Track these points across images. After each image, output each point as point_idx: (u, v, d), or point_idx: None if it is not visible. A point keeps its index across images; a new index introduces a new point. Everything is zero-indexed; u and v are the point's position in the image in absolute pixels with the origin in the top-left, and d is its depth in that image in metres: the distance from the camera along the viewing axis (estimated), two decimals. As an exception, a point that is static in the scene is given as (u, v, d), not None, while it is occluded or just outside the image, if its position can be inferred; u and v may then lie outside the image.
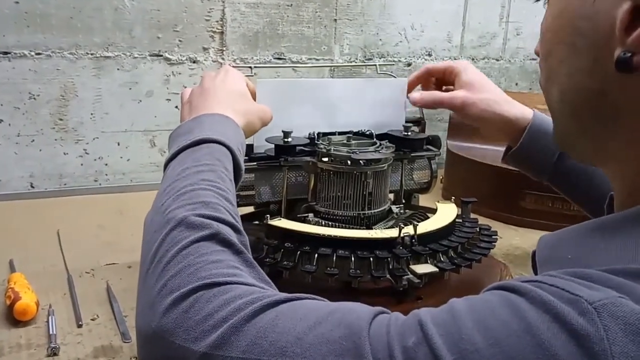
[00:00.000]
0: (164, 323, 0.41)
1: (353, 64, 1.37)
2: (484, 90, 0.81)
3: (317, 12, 1.31)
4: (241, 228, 0.51)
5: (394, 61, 1.41)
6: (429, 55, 1.46)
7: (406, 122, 0.91)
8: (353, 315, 0.37)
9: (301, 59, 1.31)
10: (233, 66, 1.26)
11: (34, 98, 1.12)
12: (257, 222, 0.90)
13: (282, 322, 0.38)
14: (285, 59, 1.30)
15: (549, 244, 0.44)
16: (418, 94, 0.84)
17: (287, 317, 0.39)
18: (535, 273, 0.44)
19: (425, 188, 0.94)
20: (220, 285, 0.42)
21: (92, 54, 1.14)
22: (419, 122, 0.94)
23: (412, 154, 0.89)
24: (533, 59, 1.60)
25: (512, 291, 0.34)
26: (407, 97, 0.87)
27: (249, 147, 0.85)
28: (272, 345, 0.37)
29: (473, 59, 1.52)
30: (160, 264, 0.45)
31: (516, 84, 1.59)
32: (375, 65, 0.95)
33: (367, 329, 0.36)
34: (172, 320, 0.40)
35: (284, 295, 0.41)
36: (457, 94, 0.81)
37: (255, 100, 0.76)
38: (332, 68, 1.36)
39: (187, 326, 0.40)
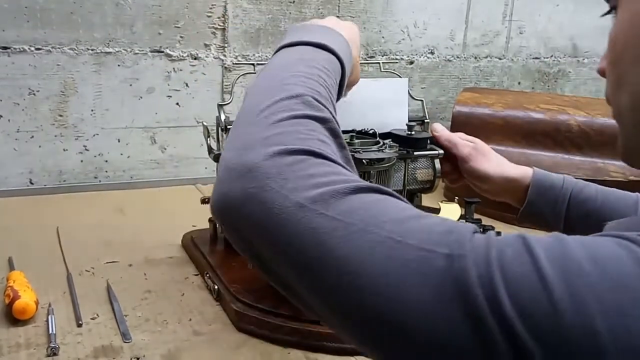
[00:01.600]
0: (263, 165, 0.40)
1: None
2: (488, 151, 0.88)
3: (319, 9, 1.30)
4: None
5: (396, 59, 1.40)
6: (432, 53, 1.45)
7: (409, 121, 0.91)
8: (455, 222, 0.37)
9: (303, 56, 1.30)
10: (235, 63, 1.25)
11: (34, 94, 1.11)
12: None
13: (384, 204, 0.38)
14: (287, 56, 1.29)
15: (618, 227, 0.42)
16: (440, 127, 0.89)
17: (390, 203, 0.38)
18: None
19: (428, 188, 0.93)
20: (327, 159, 0.41)
21: (92, 50, 1.13)
22: (423, 122, 0.94)
23: (416, 153, 0.88)
24: (536, 58, 1.59)
25: (621, 238, 0.34)
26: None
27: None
28: (372, 217, 0.36)
29: (476, 58, 1.51)
30: (268, 119, 0.44)
31: (519, 83, 1.59)
32: (379, 63, 0.94)
33: (470, 235, 0.35)
34: (273, 166, 0.40)
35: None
36: (468, 144, 0.87)
37: None
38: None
39: (287, 176, 0.39)
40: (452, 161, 0.92)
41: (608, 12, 0.45)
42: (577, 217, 0.83)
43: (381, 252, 0.35)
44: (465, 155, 0.88)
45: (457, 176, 0.94)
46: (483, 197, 0.92)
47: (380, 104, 0.89)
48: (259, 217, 0.39)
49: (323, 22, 0.63)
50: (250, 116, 0.46)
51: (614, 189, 0.83)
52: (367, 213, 0.37)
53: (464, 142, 0.90)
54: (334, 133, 0.46)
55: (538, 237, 0.34)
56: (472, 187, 0.93)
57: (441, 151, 0.91)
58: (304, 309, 0.40)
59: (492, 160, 0.88)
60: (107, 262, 0.85)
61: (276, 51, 0.56)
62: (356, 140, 0.84)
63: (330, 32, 0.60)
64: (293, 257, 0.37)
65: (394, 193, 0.40)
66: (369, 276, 0.34)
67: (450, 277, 0.33)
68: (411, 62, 1.43)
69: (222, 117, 0.82)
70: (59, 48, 1.11)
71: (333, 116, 0.48)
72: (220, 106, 0.83)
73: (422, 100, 0.94)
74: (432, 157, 0.91)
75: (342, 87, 0.59)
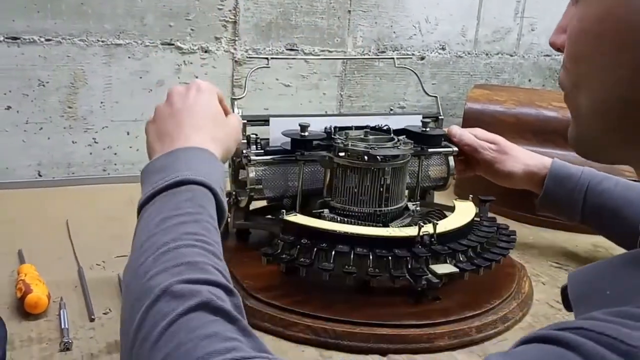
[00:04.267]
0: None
1: (368, 56, 1.35)
2: (510, 148, 0.89)
3: (331, 3, 1.28)
4: (232, 288, 0.45)
5: (407, 54, 1.39)
6: (443, 49, 1.44)
7: (424, 117, 0.90)
8: None
9: (314, 50, 1.29)
10: (247, 57, 1.24)
11: (43, 85, 1.10)
12: (270, 217, 0.89)
13: None
14: (297, 50, 1.28)
15: (582, 279, 0.41)
16: (459, 130, 0.90)
17: None
18: (569, 311, 0.42)
19: (441, 185, 0.92)
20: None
21: (102, 41, 1.12)
22: (437, 118, 0.93)
23: (430, 150, 0.87)
24: (547, 55, 1.58)
25: (557, 344, 0.31)
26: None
27: (264, 142, 0.83)
28: None
29: (487, 54, 1.50)
30: (146, 342, 0.39)
31: (529, 80, 1.58)
32: (393, 58, 0.93)
33: None
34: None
35: None
36: (490, 147, 0.89)
37: (227, 113, 0.67)
38: (345, 60, 1.34)
39: None
40: (466, 158, 0.92)
41: None
42: (593, 208, 0.83)
43: None
44: (489, 160, 0.88)
45: (464, 167, 0.93)
46: (497, 194, 0.92)
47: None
48: None
49: (167, 127, 0.58)
50: (129, 339, 0.42)
51: (638, 184, 0.83)
52: None
53: (485, 146, 0.89)
54: (218, 312, 0.41)
55: None
56: (490, 179, 0.92)
57: (455, 148, 0.90)
58: None
59: (516, 158, 0.88)
60: (117, 256, 0.85)
61: (139, 210, 0.52)
62: (370, 137, 0.84)
63: (180, 155, 0.54)
64: None
65: None
66: None
67: None
68: (422, 58, 1.42)
69: (236, 112, 0.81)
70: (69, 39, 1.10)
71: (213, 281, 0.43)
72: (233, 100, 0.82)
73: (436, 97, 0.93)
74: (446, 154, 0.91)
75: (221, 201, 0.53)
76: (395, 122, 0.88)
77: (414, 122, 0.89)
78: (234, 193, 0.84)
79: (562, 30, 0.44)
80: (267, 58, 0.86)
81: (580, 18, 0.40)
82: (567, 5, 0.44)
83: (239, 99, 0.82)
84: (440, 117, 0.93)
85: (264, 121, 0.84)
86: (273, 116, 0.84)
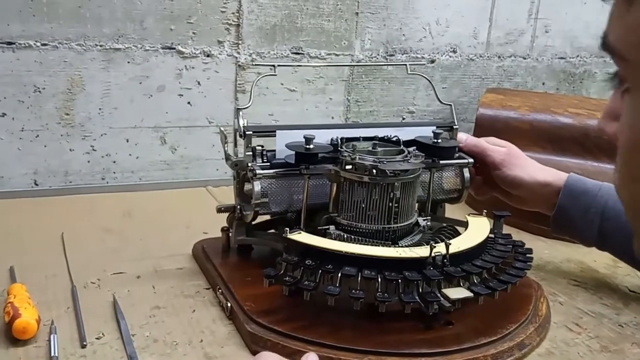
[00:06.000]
0: None
1: (381, 62, 1.31)
2: (521, 155, 0.86)
3: (338, 5, 1.24)
4: None
5: (417, 57, 1.34)
6: (454, 52, 1.39)
7: (438, 127, 0.85)
8: None
9: (320, 54, 1.25)
10: (253, 64, 1.19)
11: (39, 91, 1.06)
12: (273, 231, 0.85)
13: None
14: (303, 53, 1.23)
15: None
16: (465, 135, 0.87)
17: None
18: None
19: (455, 198, 0.88)
20: None
21: (101, 46, 1.08)
22: (451, 127, 0.88)
23: (442, 162, 0.83)
24: (561, 58, 1.53)
25: None
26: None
27: (271, 153, 0.79)
28: None
29: (499, 57, 1.45)
30: None
31: (543, 84, 1.53)
32: (406, 65, 0.88)
33: None
34: None
35: None
36: (500, 150, 0.85)
37: None
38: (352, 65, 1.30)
39: None
40: (481, 170, 0.87)
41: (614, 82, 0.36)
42: (614, 228, 0.78)
43: None
44: (498, 162, 0.83)
45: (483, 188, 0.89)
46: (511, 207, 0.87)
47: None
48: None
49: None
50: None
51: None
52: None
53: (495, 148, 0.85)
54: None
55: None
56: (501, 196, 0.88)
57: (471, 160, 0.86)
58: None
59: (525, 166, 0.84)
60: (113, 273, 0.81)
61: None
62: (379, 149, 0.79)
63: None
64: None
65: None
66: None
67: None
68: (432, 61, 1.37)
69: (241, 122, 0.77)
70: (66, 44, 1.06)
71: None
72: (238, 110, 0.78)
73: (450, 105, 0.88)
74: (461, 166, 0.86)
75: None
76: (406, 133, 0.84)
77: (426, 133, 0.85)
78: (238, 207, 0.80)
79: (611, 117, 0.38)
80: (273, 65, 0.81)
81: (631, 125, 0.34)
82: (613, 90, 0.38)
83: (244, 108, 0.78)
84: (455, 127, 0.88)
85: (271, 132, 0.80)
86: (280, 128, 0.80)
